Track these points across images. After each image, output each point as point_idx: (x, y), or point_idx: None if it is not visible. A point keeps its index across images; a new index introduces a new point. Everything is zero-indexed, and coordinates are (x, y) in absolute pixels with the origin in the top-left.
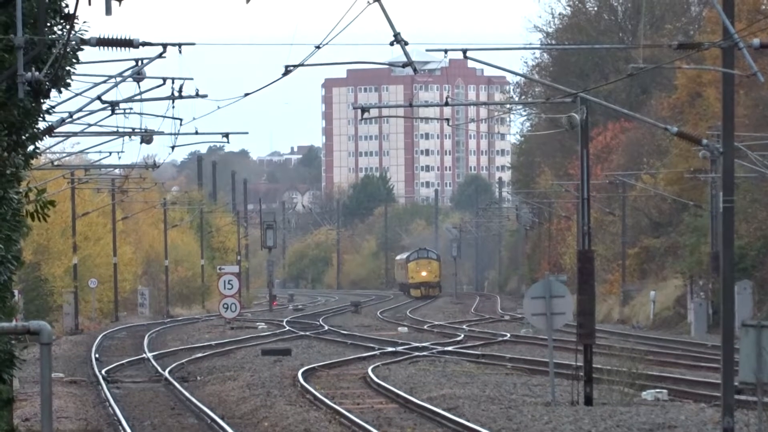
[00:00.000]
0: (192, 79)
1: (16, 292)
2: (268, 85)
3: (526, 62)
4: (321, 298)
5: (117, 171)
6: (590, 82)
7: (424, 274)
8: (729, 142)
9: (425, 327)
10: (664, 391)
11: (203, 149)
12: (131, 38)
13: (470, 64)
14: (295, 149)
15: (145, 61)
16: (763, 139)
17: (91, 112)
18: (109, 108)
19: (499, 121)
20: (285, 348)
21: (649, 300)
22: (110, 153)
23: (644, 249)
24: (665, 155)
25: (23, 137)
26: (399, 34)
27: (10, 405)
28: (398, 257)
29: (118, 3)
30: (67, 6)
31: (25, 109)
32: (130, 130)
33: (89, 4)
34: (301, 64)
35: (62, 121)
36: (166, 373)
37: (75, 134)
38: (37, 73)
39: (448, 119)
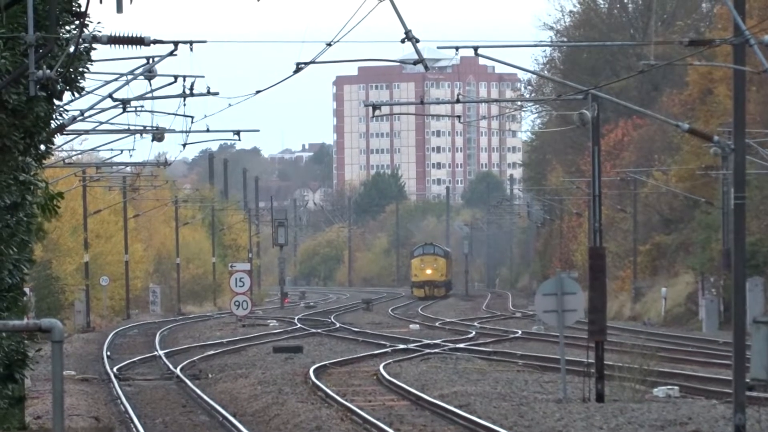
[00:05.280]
0: (203, 76)
1: (27, 290)
2: (280, 82)
3: (536, 60)
4: (332, 295)
5: (128, 169)
6: (601, 79)
7: (428, 272)
8: (740, 139)
9: (437, 324)
10: (676, 387)
11: (214, 147)
12: (142, 36)
13: (481, 61)
14: (307, 147)
15: (156, 59)
16: None
17: (103, 110)
18: (121, 106)
19: (510, 118)
20: (296, 345)
21: (660, 297)
22: (121, 151)
23: (655, 246)
24: (676, 152)
25: (37, 140)
26: (410, 31)
27: (22, 403)
28: None
29: (129, 1)
30: (78, 5)
31: (39, 116)
32: (142, 127)
33: (100, 2)
34: (313, 62)
35: (73, 119)
36: (178, 371)
37: (86, 132)
38: (48, 71)
39: (459, 116)
